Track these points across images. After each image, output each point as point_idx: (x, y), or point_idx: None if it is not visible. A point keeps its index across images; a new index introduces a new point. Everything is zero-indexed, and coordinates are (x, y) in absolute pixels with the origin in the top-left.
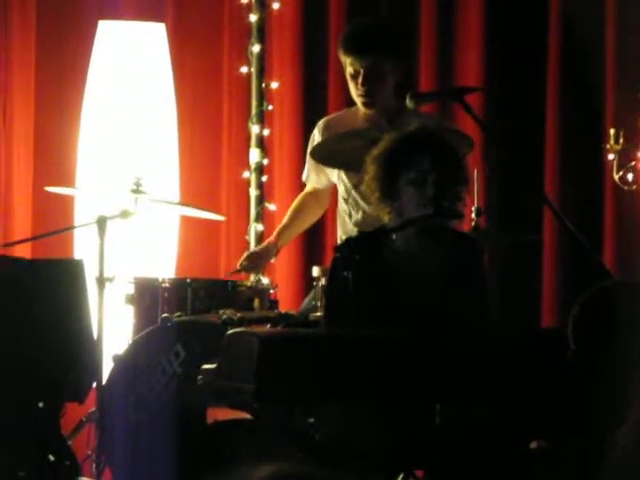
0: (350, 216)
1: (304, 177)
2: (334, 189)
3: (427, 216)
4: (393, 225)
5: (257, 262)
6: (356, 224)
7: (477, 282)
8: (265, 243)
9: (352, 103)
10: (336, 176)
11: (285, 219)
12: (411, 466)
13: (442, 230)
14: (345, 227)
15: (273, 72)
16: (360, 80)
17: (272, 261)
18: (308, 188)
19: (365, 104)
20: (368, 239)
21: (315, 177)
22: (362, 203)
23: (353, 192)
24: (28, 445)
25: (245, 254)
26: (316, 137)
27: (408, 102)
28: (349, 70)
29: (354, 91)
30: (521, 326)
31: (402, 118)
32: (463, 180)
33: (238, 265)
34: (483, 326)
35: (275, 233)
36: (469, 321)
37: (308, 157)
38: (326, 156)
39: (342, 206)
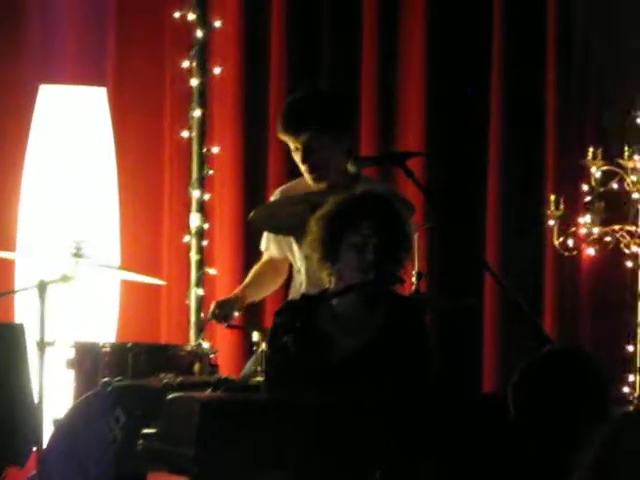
0: (303, 286)
1: (263, 247)
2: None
3: (368, 282)
4: (334, 290)
5: (228, 310)
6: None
7: (418, 346)
8: (231, 295)
9: (292, 169)
10: (288, 247)
11: (247, 279)
12: None
13: (382, 295)
14: (295, 293)
15: (214, 136)
16: (300, 157)
17: (236, 314)
18: (265, 257)
19: (313, 179)
20: (308, 304)
21: (275, 246)
22: (311, 273)
23: (305, 263)
24: None
25: (214, 303)
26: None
27: (349, 166)
28: (291, 147)
29: (301, 167)
30: (462, 390)
31: (351, 185)
32: (406, 246)
33: (209, 314)
34: (425, 390)
35: (239, 288)
36: (410, 385)
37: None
38: (264, 220)
39: (295, 276)
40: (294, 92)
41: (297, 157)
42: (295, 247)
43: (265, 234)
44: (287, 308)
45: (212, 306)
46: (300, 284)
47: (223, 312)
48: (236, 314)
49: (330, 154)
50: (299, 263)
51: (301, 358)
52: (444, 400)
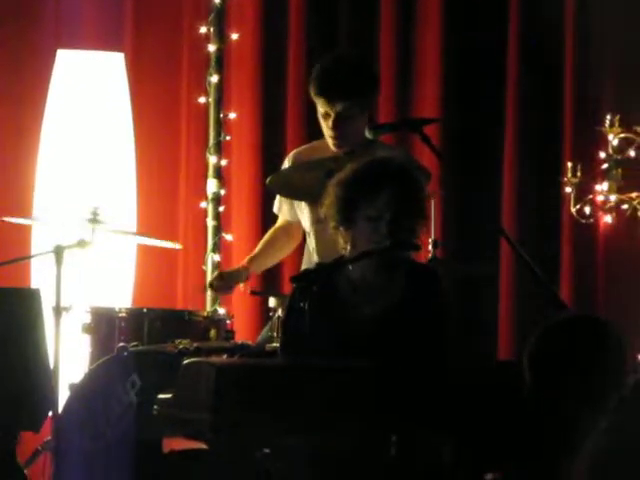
0: (314, 250)
1: (275, 209)
2: None
3: (384, 249)
4: (350, 256)
5: (228, 282)
6: (319, 257)
7: (434, 312)
8: (236, 266)
9: (310, 135)
10: (300, 210)
11: (256, 249)
12: None
13: (398, 261)
14: (310, 261)
15: (231, 102)
16: (331, 124)
17: (241, 286)
18: (280, 221)
19: (335, 145)
20: (325, 271)
21: (287, 208)
22: (322, 237)
23: (315, 226)
24: None
25: (216, 273)
26: (285, 167)
27: (367, 133)
28: (320, 110)
29: (325, 130)
30: (477, 358)
31: (369, 150)
32: (421, 215)
33: (209, 283)
34: (441, 356)
35: (246, 259)
36: (425, 352)
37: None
38: (281, 186)
39: (307, 240)
40: (325, 55)
41: (325, 121)
42: (306, 211)
43: (278, 197)
44: (304, 274)
45: (213, 277)
46: (312, 249)
47: (225, 284)
48: (241, 285)
49: (358, 122)
50: (310, 227)
51: (318, 323)
52: (460, 367)
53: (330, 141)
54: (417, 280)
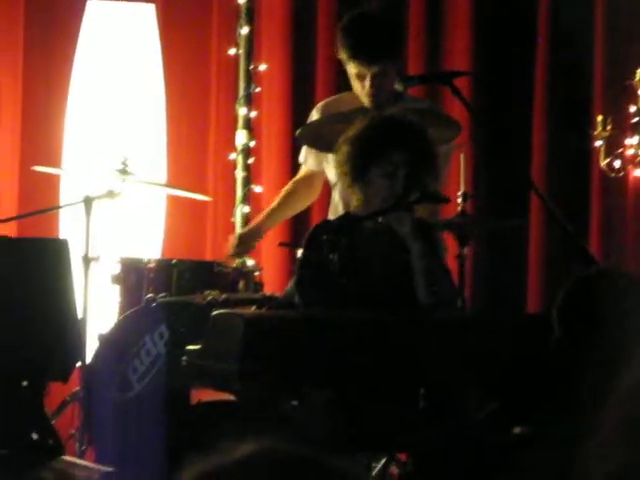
0: (340, 203)
1: (301, 159)
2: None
3: (413, 201)
4: (362, 213)
5: (248, 245)
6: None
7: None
8: (252, 225)
9: (340, 87)
10: (327, 162)
11: (274, 202)
12: (394, 449)
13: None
14: (336, 213)
15: (261, 54)
16: (368, 84)
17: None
18: (302, 173)
19: (372, 103)
20: (351, 223)
21: (313, 160)
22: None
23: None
24: (11, 424)
25: (235, 238)
26: (313, 118)
27: (397, 85)
28: (353, 71)
29: (359, 90)
30: (506, 312)
31: (397, 104)
32: (433, 172)
33: (231, 251)
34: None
35: (263, 215)
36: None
37: None
38: (310, 138)
39: (333, 193)
40: (351, 15)
41: (359, 82)
42: (331, 161)
43: (304, 147)
44: (330, 226)
45: (232, 241)
46: (338, 201)
47: (244, 248)
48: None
49: (391, 79)
50: (335, 180)
51: (345, 275)
52: (489, 320)
53: (366, 99)
54: (424, 237)
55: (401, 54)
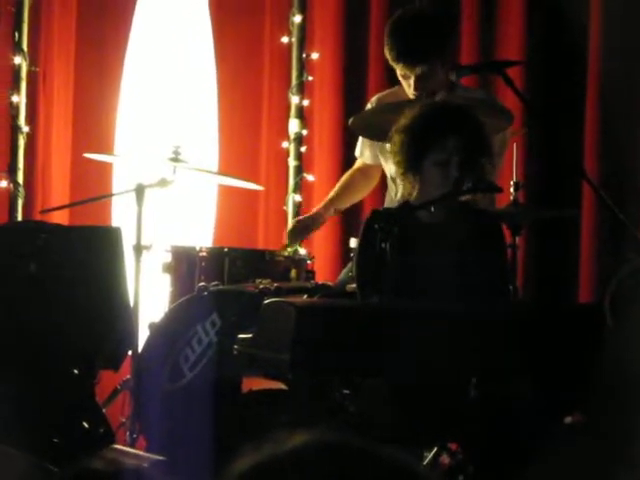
0: (397, 195)
1: (357, 152)
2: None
3: (465, 190)
4: (417, 202)
5: (306, 231)
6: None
7: (498, 257)
8: (312, 212)
9: (392, 76)
10: (384, 154)
11: (332, 192)
12: (445, 439)
13: (464, 207)
14: (391, 203)
15: (314, 43)
16: (413, 85)
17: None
18: (358, 164)
19: (416, 96)
20: (403, 212)
21: (370, 153)
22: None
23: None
24: (63, 412)
25: (293, 224)
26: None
27: (450, 75)
28: (399, 72)
29: (407, 89)
30: (559, 301)
31: (449, 93)
32: (487, 159)
33: (288, 238)
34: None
35: (322, 204)
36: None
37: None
38: (363, 127)
39: (389, 185)
40: (397, 16)
41: (405, 81)
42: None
43: (360, 139)
44: (382, 215)
45: (290, 227)
46: (395, 194)
47: (304, 232)
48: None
49: (439, 76)
50: (393, 171)
51: (397, 264)
52: (542, 310)
53: (411, 93)
54: (482, 225)
55: (449, 50)
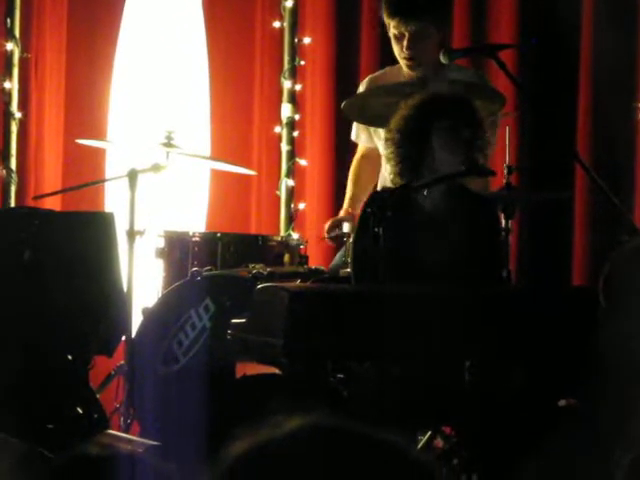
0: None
1: (353, 136)
2: None
3: (457, 174)
4: (421, 182)
5: (341, 230)
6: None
7: (496, 241)
8: (343, 212)
9: (384, 60)
10: (377, 135)
11: (349, 190)
12: (439, 422)
13: (464, 190)
14: (385, 183)
15: (306, 27)
16: (405, 44)
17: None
18: (360, 150)
19: (409, 66)
20: (397, 196)
21: (365, 136)
22: None
23: None
24: (56, 398)
25: (330, 222)
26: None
27: (442, 58)
28: (393, 32)
29: (398, 52)
30: (552, 284)
31: (441, 73)
32: (485, 138)
33: (326, 235)
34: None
35: (347, 203)
36: (487, 279)
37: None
38: (356, 110)
39: (383, 166)
40: None
41: (398, 43)
42: (381, 133)
43: (355, 124)
44: (376, 199)
45: (328, 224)
46: (388, 174)
47: (337, 233)
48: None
49: (431, 43)
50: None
51: (391, 248)
52: (535, 293)
53: (403, 62)
54: (481, 210)
55: (444, 20)
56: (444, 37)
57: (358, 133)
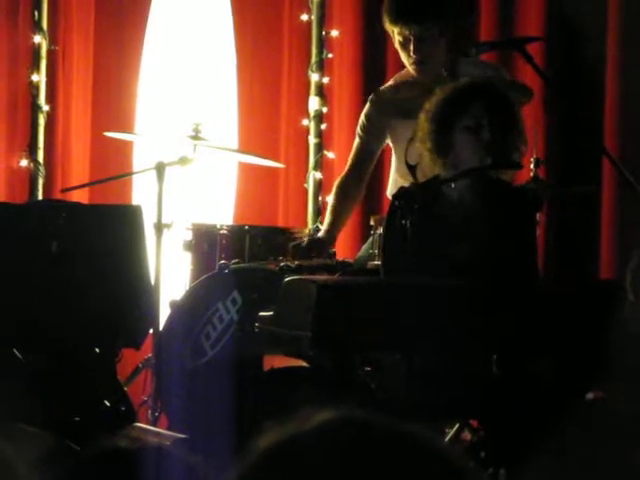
0: (398, 179)
1: (359, 129)
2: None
3: (485, 167)
4: (447, 176)
5: (314, 252)
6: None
7: (527, 235)
8: (322, 234)
9: None
10: (391, 128)
11: (329, 216)
12: (467, 416)
13: (495, 182)
14: (396, 185)
15: (333, 20)
16: (412, 48)
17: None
18: (348, 166)
19: (417, 70)
20: (424, 189)
21: (376, 144)
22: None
23: (408, 144)
24: (84, 391)
25: (306, 242)
26: (367, 109)
27: (469, 52)
28: (398, 39)
29: (406, 59)
30: (579, 277)
31: (461, 68)
32: (517, 130)
33: (294, 253)
34: (533, 278)
35: (326, 229)
36: (518, 273)
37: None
38: (382, 104)
39: (393, 167)
40: None
41: (404, 49)
42: (400, 129)
43: (362, 121)
44: (404, 192)
45: (303, 247)
46: (395, 180)
47: (311, 254)
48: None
49: (439, 45)
50: (404, 144)
51: (419, 241)
52: (563, 286)
53: (412, 68)
54: (511, 202)
55: (449, 20)
56: (457, 33)
57: (367, 130)
